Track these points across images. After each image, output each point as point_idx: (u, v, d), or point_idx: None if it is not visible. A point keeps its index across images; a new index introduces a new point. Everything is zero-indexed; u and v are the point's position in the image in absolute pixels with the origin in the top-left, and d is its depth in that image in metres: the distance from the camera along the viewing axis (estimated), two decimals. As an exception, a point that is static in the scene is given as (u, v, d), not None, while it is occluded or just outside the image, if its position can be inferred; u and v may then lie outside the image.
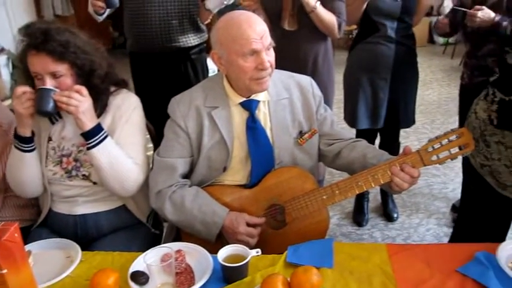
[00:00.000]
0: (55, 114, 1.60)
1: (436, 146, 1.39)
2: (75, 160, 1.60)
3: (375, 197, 3.12)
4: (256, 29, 1.42)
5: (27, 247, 1.42)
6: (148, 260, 1.24)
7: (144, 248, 1.37)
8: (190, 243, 1.39)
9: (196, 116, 1.55)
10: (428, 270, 1.27)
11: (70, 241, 1.46)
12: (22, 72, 1.55)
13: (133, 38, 2.49)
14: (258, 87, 1.48)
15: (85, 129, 1.49)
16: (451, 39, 6.84)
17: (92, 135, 1.50)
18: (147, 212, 1.75)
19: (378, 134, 2.83)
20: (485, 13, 2.16)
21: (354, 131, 2.77)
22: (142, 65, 2.54)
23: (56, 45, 1.44)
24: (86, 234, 1.64)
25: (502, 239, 1.64)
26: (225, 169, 1.57)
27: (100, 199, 1.64)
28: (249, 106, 1.55)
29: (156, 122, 1.87)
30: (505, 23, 2.14)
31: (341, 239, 2.76)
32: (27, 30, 1.47)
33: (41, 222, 1.69)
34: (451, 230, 2.00)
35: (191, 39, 2.48)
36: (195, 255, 1.35)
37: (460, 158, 1.51)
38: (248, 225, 1.49)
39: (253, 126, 1.55)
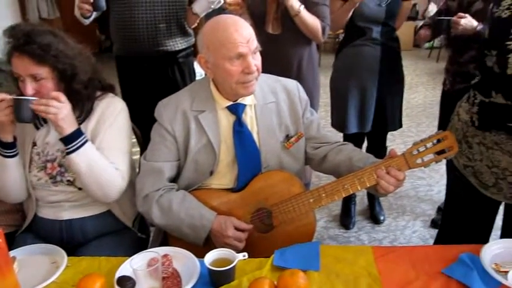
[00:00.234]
0: (40, 120, 1.59)
1: (421, 149, 1.41)
2: (60, 165, 1.58)
3: (361, 200, 3.14)
4: (242, 33, 1.42)
5: (12, 253, 1.40)
6: (134, 265, 1.23)
7: (130, 252, 1.35)
8: (178, 247, 1.39)
9: (183, 119, 1.55)
10: (414, 272, 1.29)
11: (55, 246, 1.44)
12: (10, 74, 1.53)
13: (120, 42, 2.48)
14: (245, 90, 1.49)
15: (64, 134, 1.47)
16: (436, 43, 6.95)
17: (71, 140, 1.48)
18: (133, 217, 1.74)
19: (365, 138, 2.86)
20: (468, 21, 2.20)
21: (340, 135, 2.78)
22: (129, 69, 2.53)
23: (36, 48, 1.43)
24: (72, 239, 1.63)
25: (485, 239, 1.66)
26: (211, 173, 1.57)
27: (85, 204, 1.63)
28: (236, 110, 1.55)
29: (143, 126, 1.87)
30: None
31: (328, 242, 2.77)
32: (11, 32, 1.46)
33: (26, 227, 1.67)
34: (436, 232, 2.02)
35: (178, 43, 2.48)
36: (182, 259, 1.34)
37: (444, 160, 1.53)
38: (236, 229, 1.49)
39: (240, 130, 1.56)
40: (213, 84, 1.56)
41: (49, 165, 1.59)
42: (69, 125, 1.47)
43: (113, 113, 1.60)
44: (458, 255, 1.32)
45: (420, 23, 7.78)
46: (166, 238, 1.66)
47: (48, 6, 6.50)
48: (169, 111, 1.56)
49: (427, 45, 7.67)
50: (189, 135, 1.55)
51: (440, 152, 1.40)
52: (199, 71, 2.59)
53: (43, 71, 1.46)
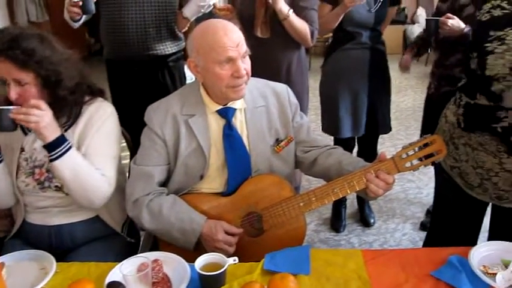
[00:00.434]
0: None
1: (410, 152, 1.42)
2: (48, 171, 1.56)
3: (352, 203, 3.15)
4: (232, 37, 1.43)
5: (0, 259, 1.39)
6: (124, 270, 1.23)
7: (120, 257, 1.35)
8: (168, 252, 1.38)
9: (173, 123, 1.55)
10: (403, 275, 1.30)
11: (44, 252, 1.42)
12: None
13: (110, 46, 2.48)
14: (234, 94, 1.49)
15: (47, 141, 1.45)
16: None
17: (55, 147, 1.46)
18: (122, 222, 1.73)
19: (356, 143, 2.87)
20: (456, 22, 2.23)
21: (330, 138, 2.79)
22: (119, 73, 2.52)
23: (19, 53, 1.41)
24: (61, 244, 1.62)
25: (473, 241, 1.68)
26: (202, 177, 1.57)
27: (74, 209, 1.61)
28: (226, 114, 1.55)
29: (133, 130, 1.86)
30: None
31: (319, 245, 2.78)
32: None
33: (14, 233, 1.66)
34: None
35: (168, 47, 2.48)
36: (172, 264, 1.34)
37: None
38: (226, 233, 1.49)
39: (230, 134, 1.56)
40: (203, 88, 1.56)
41: (37, 170, 1.57)
42: (51, 132, 1.44)
43: (101, 117, 1.59)
44: (447, 258, 1.33)
45: (409, 27, 7.91)
46: (156, 243, 1.65)
47: (37, 9, 6.46)
48: (159, 115, 1.56)
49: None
50: (179, 139, 1.54)
51: (429, 156, 1.42)
52: (189, 75, 2.60)
53: (26, 76, 1.44)
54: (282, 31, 2.27)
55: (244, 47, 1.46)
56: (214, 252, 1.33)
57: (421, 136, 2.76)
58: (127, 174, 1.72)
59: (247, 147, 1.58)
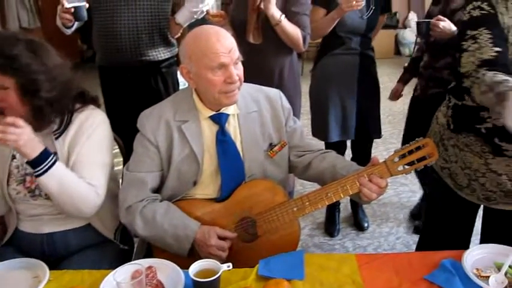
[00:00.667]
0: None
1: (402, 156, 1.43)
2: None
3: (345, 207, 3.16)
4: (224, 43, 1.43)
5: (-8, 268, 1.38)
6: (118, 278, 1.22)
7: (114, 265, 1.34)
8: (162, 258, 1.38)
9: (166, 130, 1.55)
10: (397, 279, 1.30)
11: (37, 260, 1.41)
12: None
13: (103, 52, 2.47)
14: (227, 100, 1.49)
15: (29, 158, 1.41)
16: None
17: (38, 163, 1.42)
18: (114, 229, 1.72)
19: (349, 149, 2.87)
20: (447, 25, 2.25)
21: (322, 143, 2.80)
22: (112, 79, 2.51)
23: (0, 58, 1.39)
24: (54, 252, 1.61)
25: (466, 244, 1.70)
26: (195, 183, 1.56)
27: (66, 217, 1.60)
28: (219, 119, 1.55)
29: (126, 136, 1.85)
30: None
31: (313, 250, 2.78)
32: None
33: (6, 241, 1.64)
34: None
35: (161, 53, 2.47)
36: (166, 270, 1.33)
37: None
38: (219, 238, 1.49)
39: (223, 140, 1.56)
40: (195, 94, 1.56)
41: (28, 178, 1.56)
42: (32, 149, 1.40)
43: (91, 125, 1.57)
44: (440, 262, 1.33)
45: (401, 31, 7.96)
46: (150, 249, 1.64)
47: (29, 15, 6.44)
48: (152, 121, 1.56)
49: (407, 52, 7.78)
50: (172, 146, 1.54)
51: (421, 159, 1.43)
52: (182, 81, 2.59)
53: (6, 81, 1.41)
54: (274, 37, 2.28)
55: (236, 53, 1.47)
56: (208, 258, 1.33)
57: (403, 137, 2.82)
58: (120, 181, 1.72)
59: (241, 153, 1.58)
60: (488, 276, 1.27)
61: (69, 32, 2.34)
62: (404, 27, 8.12)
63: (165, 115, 1.56)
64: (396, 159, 1.43)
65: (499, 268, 1.30)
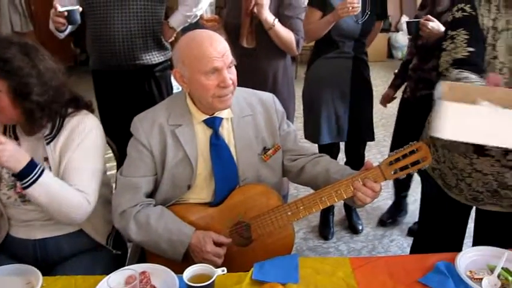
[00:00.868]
0: (10, 136, 1.55)
1: (396, 160, 1.43)
2: None
3: (339, 210, 3.16)
4: (217, 47, 1.43)
5: (-16, 274, 1.37)
6: (112, 283, 1.21)
7: (108, 270, 1.33)
8: (156, 263, 1.37)
9: (160, 134, 1.55)
10: (391, 282, 1.30)
11: (30, 266, 1.40)
12: None
13: (96, 56, 2.47)
14: (221, 104, 1.49)
15: (15, 172, 1.39)
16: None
17: (25, 176, 1.40)
18: (106, 234, 1.70)
19: (343, 152, 2.88)
20: (436, 25, 2.28)
21: (315, 146, 2.80)
22: (106, 83, 2.51)
23: None
24: (47, 258, 1.60)
25: (459, 246, 1.71)
26: (189, 187, 1.56)
27: (58, 223, 1.58)
28: (213, 123, 1.55)
29: (120, 141, 1.85)
30: None
31: (308, 253, 2.78)
32: None
33: (-2, 247, 1.63)
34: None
35: (155, 57, 2.47)
36: (160, 275, 1.33)
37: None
38: (215, 244, 1.48)
39: (217, 143, 1.56)
40: (189, 98, 1.56)
41: (19, 183, 1.55)
42: (16, 163, 1.38)
43: (83, 131, 1.55)
44: (434, 264, 1.34)
45: (393, 35, 8.00)
46: (144, 254, 1.63)
47: (21, 19, 6.41)
48: (146, 125, 1.55)
49: (400, 55, 7.83)
50: (166, 150, 1.54)
51: (414, 163, 1.43)
52: (176, 85, 2.59)
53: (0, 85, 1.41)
54: (267, 41, 2.29)
55: (229, 57, 1.47)
56: (203, 263, 1.32)
57: (392, 138, 2.84)
58: (113, 186, 1.71)
59: (235, 157, 1.58)
60: (482, 279, 1.28)
61: (62, 35, 2.34)
62: (397, 30, 8.17)
63: (159, 119, 1.55)
64: (390, 163, 1.43)
65: (492, 270, 1.31)
